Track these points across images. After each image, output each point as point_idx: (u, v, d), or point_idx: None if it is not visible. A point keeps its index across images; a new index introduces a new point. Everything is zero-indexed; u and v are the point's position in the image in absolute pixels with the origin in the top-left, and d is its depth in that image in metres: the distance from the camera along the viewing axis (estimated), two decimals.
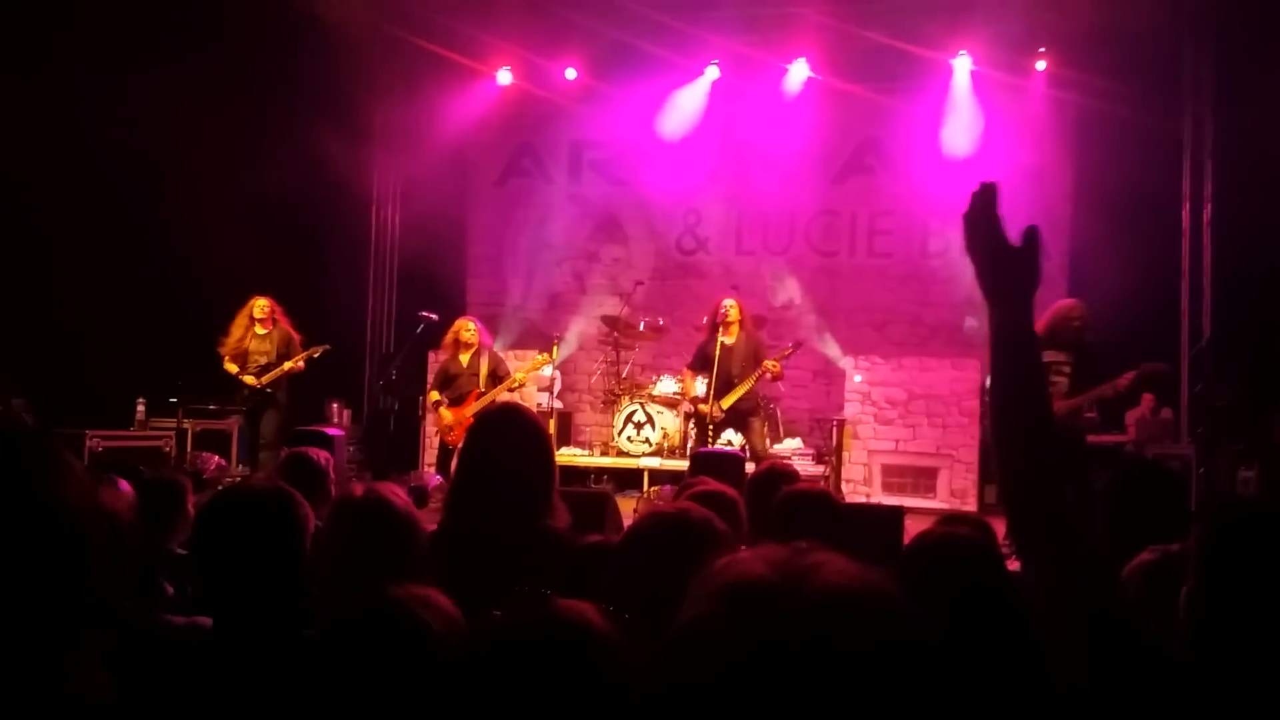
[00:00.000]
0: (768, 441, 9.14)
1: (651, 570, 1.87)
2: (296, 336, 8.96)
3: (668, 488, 7.85)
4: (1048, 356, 7.24)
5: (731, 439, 9.01)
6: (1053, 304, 7.44)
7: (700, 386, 8.79)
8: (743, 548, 1.83)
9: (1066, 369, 7.16)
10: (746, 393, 8.52)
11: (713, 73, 11.94)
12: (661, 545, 1.96)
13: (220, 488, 2.41)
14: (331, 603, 2.20)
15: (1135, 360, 7.02)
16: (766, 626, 0.85)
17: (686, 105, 12.23)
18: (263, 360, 8.79)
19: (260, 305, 8.86)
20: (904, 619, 0.88)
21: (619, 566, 2.03)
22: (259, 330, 8.86)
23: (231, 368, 8.79)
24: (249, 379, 8.74)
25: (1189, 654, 1.54)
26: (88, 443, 8.16)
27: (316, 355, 8.93)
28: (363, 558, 2.23)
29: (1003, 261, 1.54)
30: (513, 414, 3.03)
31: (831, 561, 0.90)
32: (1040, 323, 7.45)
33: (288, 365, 8.74)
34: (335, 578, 2.19)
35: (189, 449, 9.29)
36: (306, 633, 1.89)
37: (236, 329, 8.84)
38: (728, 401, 8.48)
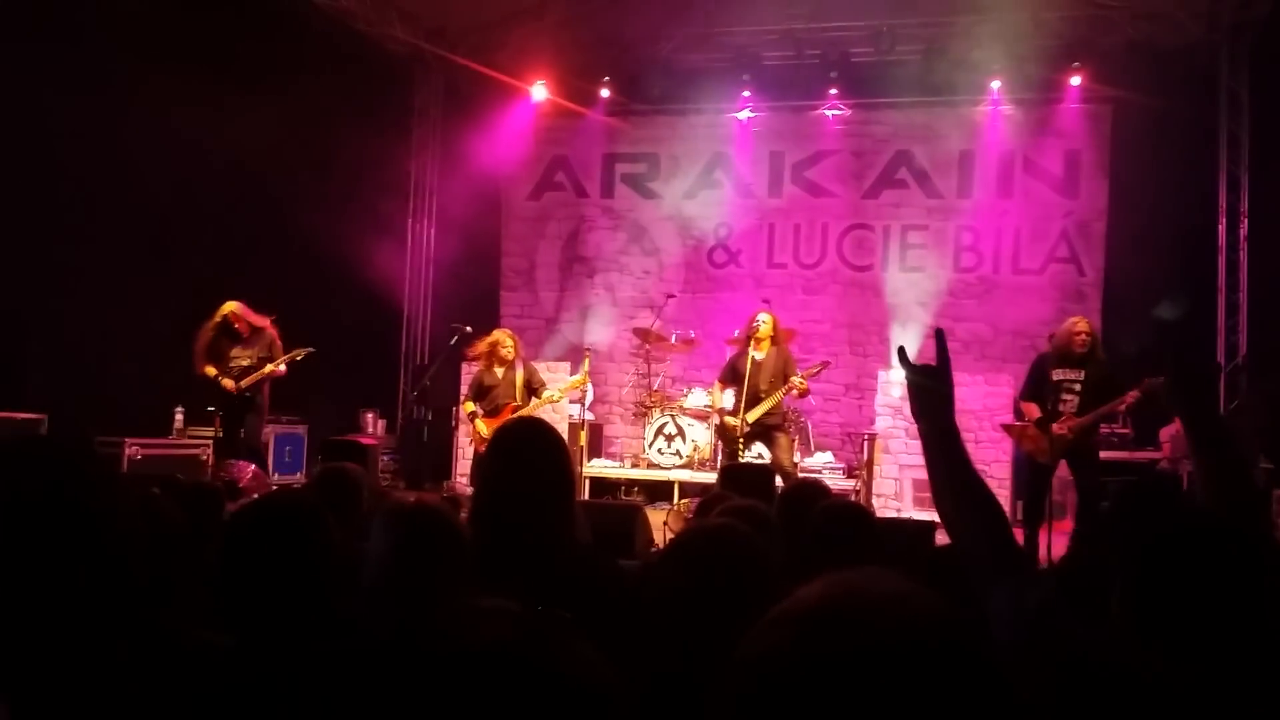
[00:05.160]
0: (796, 456, 9.09)
1: (692, 583, 1.89)
2: (278, 340, 8.78)
3: (696, 500, 7.85)
4: (1058, 374, 7.26)
5: (763, 453, 8.97)
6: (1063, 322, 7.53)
7: (728, 399, 8.77)
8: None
9: (1077, 386, 7.17)
10: (772, 408, 8.47)
11: (745, 90, 11.95)
12: (705, 561, 1.94)
13: (255, 496, 2.45)
14: (384, 613, 2.21)
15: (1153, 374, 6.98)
16: (832, 659, 0.86)
17: (719, 119, 12.28)
18: (245, 363, 8.64)
19: (231, 310, 8.62)
20: (973, 651, 0.89)
21: (659, 581, 2.02)
22: (234, 334, 8.65)
23: (210, 371, 8.59)
24: (227, 382, 8.54)
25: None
26: (126, 451, 8.31)
27: (299, 358, 8.74)
28: (417, 569, 2.23)
29: (924, 386, 1.85)
30: (532, 427, 2.99)
31: (896, 590, 0.91)
32: (1053, 341, 7.54)
33: (269, 368, 8.59)
34: (387, 589, 2.22)
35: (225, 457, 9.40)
36: (329, 645, 1.92)
37: (203, 335, 8.63)
38: (753, 416, 8.43)
